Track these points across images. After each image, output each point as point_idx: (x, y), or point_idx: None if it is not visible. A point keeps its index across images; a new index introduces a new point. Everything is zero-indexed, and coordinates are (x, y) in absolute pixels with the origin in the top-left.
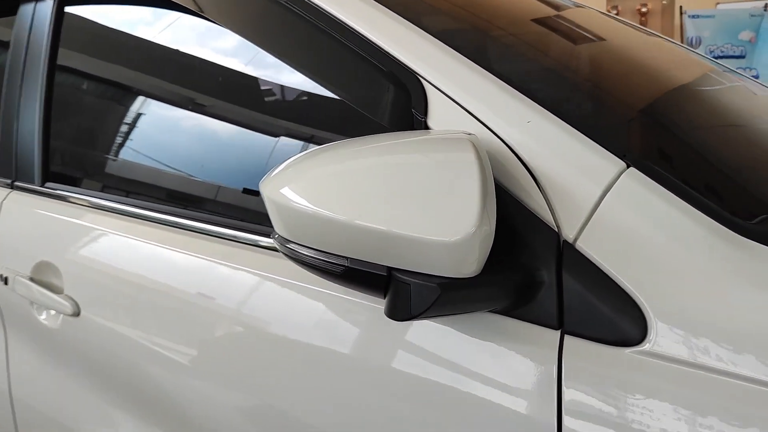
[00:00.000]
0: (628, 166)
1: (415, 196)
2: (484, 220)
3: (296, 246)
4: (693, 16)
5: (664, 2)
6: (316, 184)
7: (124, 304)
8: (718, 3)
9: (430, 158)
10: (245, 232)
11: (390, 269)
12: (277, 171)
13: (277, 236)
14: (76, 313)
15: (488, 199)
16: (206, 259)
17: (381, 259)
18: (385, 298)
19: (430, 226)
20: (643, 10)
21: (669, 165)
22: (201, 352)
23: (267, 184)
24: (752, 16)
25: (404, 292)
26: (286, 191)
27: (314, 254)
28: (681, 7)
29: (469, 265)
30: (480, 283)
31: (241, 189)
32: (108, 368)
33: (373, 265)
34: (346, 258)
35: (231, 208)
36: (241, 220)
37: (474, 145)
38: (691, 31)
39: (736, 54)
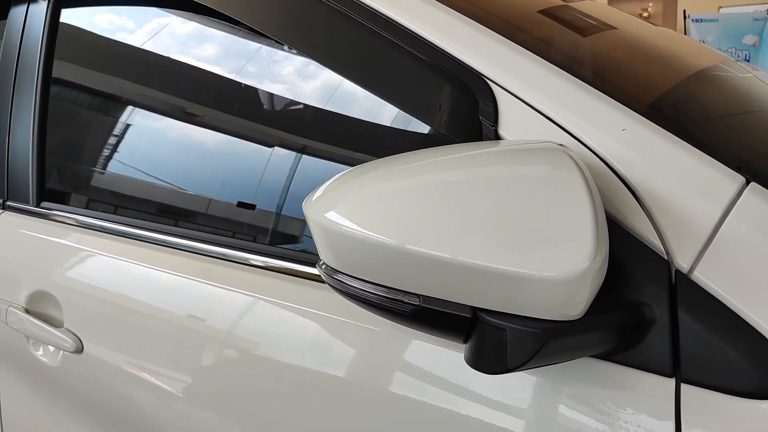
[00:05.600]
0: (748, 181)
1: (508, 221)
2: (598, 252)
3: (348, 278)
4: (697, 20)
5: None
6: (375, 205)
7: (131, 337)
8: (720, 7)
9: (522, 175)
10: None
11: (476, 310)
12: (325, 189)
13: (324, 266)
14: (79, 350)
15: (601, 226)
16: (234, 290)
17: (464, 298)
18: (465, 342)
19: (531, 259)
20: (644, 14)
21: None
22: (221, 388)
23: (312, 206)
24: (755, 20)
25: (496, 339)
26: (336, 214)
27: (373, 289)
28: (685, 11)
29: (576, 305)
30: (586, 326)
31: (271, 210)
32: (115, 410)
33: (454, 305)
34: (418, 296)
35: (246, 229)
36: (256, 241)
37: (574, 159)
38: (694, 35)
39: (741, 58)
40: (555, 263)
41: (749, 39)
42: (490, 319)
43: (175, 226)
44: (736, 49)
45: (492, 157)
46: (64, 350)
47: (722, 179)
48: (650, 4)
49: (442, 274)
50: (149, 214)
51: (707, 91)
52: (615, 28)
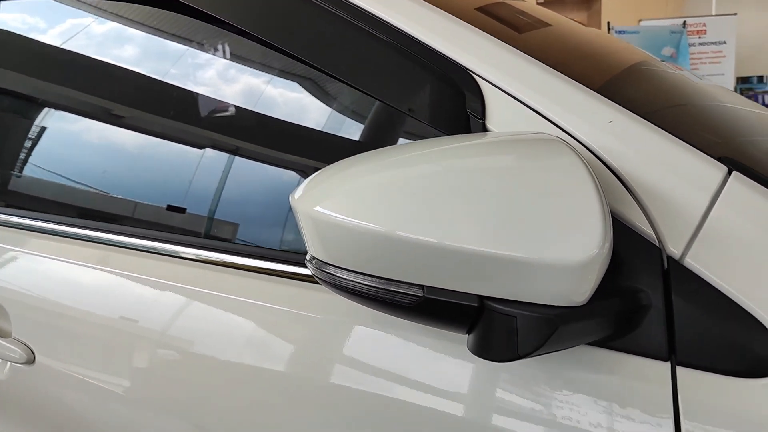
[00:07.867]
0: (730, 171)
1: (514, 208)
2: (606, 238)
3: (339, 270)
4: (620, 32)
5: None
6: (372, 195)
7: (89, 346)
8: (640, 20)
9: (526, 163)
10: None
11: (482, 299)
12: (313, 181)
13: (313, 260)
14: (30, 361)
15: (607, 213)
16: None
17: (471, 287)
18: (468, 333)
19: (542, 245)
20: None
21: None
22: (183, 399)
23: (301, 199)
24: (672, 32)
25: (506, 326)
26: (331, 204)
27: (367, 281)
28: (609, 22)
29: (583, 292)
30: (590, 312)
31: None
32: (69, 426)
33: (460, 294)
34: (421, 287)
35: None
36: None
37: (573, 149)
38: None
39: None
40: (566, 249)
41: (667, 50)
42: (499, 307)
43: (127, 225)
44: None
45: (494, 146)
46: (12, 362)
47: (708, 169)
48: (574, 16)
49: (449, 264)
50: (94, 212)
51: (657, 84)
52: (551, 25)
